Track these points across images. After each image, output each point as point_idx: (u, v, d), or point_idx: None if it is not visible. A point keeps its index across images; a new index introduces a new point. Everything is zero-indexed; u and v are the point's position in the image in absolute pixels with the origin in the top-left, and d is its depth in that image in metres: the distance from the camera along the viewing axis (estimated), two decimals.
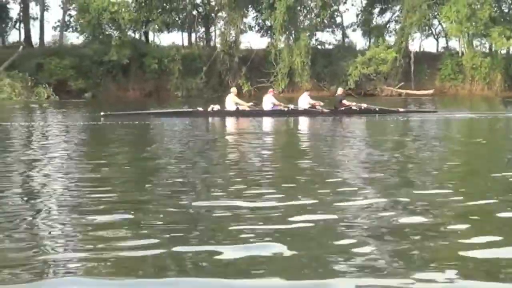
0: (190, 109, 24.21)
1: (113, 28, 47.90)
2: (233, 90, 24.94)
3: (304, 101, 24.28)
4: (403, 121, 21.72)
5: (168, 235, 4.78)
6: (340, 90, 26.90)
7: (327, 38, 75.57)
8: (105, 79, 47.87)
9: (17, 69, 43.75)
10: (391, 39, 57.10)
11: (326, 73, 52.77)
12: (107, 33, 48.54)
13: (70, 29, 53.64)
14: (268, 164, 9.65)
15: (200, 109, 23.33)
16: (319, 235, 4.92)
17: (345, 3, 58.12)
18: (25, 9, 52.99)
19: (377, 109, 25.17)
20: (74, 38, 53.92)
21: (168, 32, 54.89)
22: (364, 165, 9.42)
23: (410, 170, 8.92)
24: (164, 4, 51.39)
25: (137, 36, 51.52)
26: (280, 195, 6.48)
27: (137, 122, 19.97)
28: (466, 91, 54.32)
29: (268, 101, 24.07)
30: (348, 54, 53.31)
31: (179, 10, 53.06)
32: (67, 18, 53.17)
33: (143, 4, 49.13)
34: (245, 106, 23.72)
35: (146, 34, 52.59)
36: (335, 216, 5.45)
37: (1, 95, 40.73)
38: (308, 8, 54.09)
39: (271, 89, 26.66)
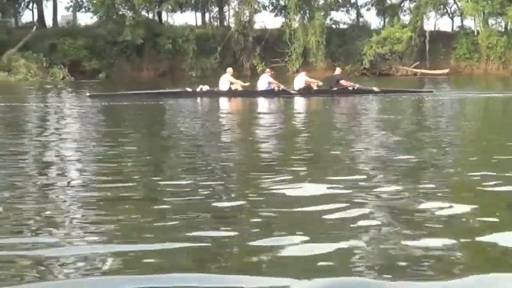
0: (178, 90, 23.63)
1: (127, 8, 47.55)
2: (229, 70, 24.01)
3: (301, 80, 23.72)
4: (412, 101, 21.35)
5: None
6: (338, 70, 26.18)
7: (342, 17, 75.56)
8: (119, 59, 47.84)
9: (30, 49, 43.73)
10: (405, 18, 56.63)
11: (340, 53, 52.50)
12: (120, 13, 48.33)
13: (83, 9, 53.64)
14: (269, 147, 9.29)
15: (189, 89, 22.83)
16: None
17: None
18: None
19: (375, 89, 24.47)
20: (87, 19, 53.99)
21: (181, 12, 54.75)
22: (382, 147, 9.00)
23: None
24: None
25: (150, 16, 51.20)
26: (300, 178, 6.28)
27: (126, 103, 19.59)
28: (482, 70, 53.87)
29: (264, 81, 23.47)
30: (362, 34, 52.98)
31: None
32: None
33: None
34: (238, 85, 23.07)
35: (159, 14, 52.31)
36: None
37: (17, 76, 40.69)
38: None
39: (268, 69, 26.00)
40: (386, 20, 57.55)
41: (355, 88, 23.81)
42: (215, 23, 55.43)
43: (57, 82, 38.98)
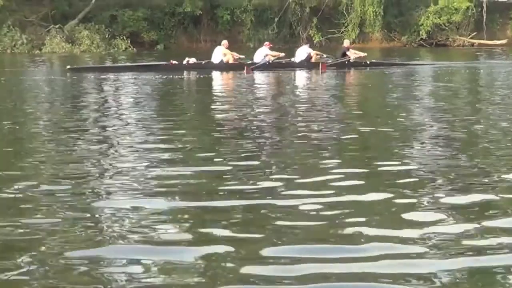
0: (162, 62, 22.74)
1: None
2: (224, 42, 23.48)
3: (303, 53, 23.32)
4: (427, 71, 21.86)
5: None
6: (346, 42, 25.64)
7: None
8: (177, 30, 48.17)
9: (91, 21, 44.42)
10: None
11: (397, 23, 52.09)
12: None
13: None
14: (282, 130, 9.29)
15: (174, 62, 21.91)
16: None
17: None
18: None
19: (367, 62, 23.90)
20: None
21: None
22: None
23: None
24: None
25: None
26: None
27: (103, 77, 19.49)
28: None
29: (261, 54, 22.95)
30: (419, 4, 52.43)
31: None
32: None
33: None
34: (231, 57, 22.40)
35: None
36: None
37: (80, 48, 41.42)
38: None
39: (267, 42, 25.65)
40: None
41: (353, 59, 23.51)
42: None
43: (119, 54, 39.60)
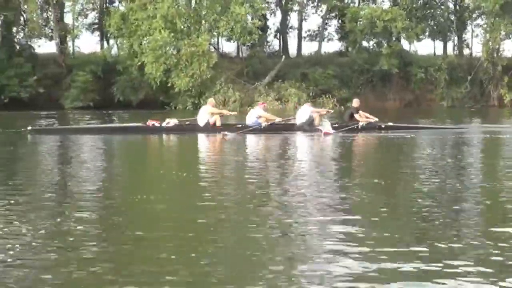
0: (139, 124, 20.31)
1: (381, 37, 47.42)
2: (210, 100, 21.15)
3: (305, 113, 20.15)
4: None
5: None
6: (355, 102, 21.32)
7: None
8: (365, 88, 47.94)
9: (280, 79, 44.90)
10: None
11: None
12: (373, 41, 48.49)
13: (326, 38, 54.63)
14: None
15: (153, 123, 19.62)
16: None
17: None
18: (283, 19, 54.06)
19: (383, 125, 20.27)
20: (327, 47, 54.67)
21: (418, 41, 53.94)
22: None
23: None
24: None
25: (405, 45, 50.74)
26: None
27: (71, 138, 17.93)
28: None
29: (253, 114, 20.18)
30: None
31: (434, 17, 52.01)
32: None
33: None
34: (218, 116, 19.90)
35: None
36: None
37: (287, 105, 41.99)
38: None
39: (261, 102, 23.72)
40: None
41: (372, 123, 20.25)
42: (456, 51, 54.16)
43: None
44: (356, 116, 20.39)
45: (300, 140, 17.86)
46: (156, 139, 18.39)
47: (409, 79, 47.75)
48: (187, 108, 40.43)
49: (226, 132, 18.89)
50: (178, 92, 41.12)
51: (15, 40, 47.68)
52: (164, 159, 13.99)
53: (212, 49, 45.35)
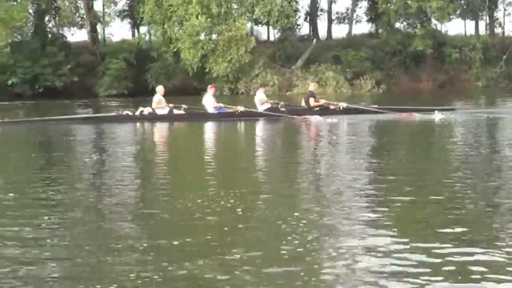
0: (112, 114, 20.58)
1: (415, 17, 46.72)
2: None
3: (257, 99, 20.52)
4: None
5: None
6: (312, 86, 21.91)
7: None
8: (398, 70, 47.53)
9: (314, 62, 44.59)
10: None
11: None
12: (405, 22, 47.95)
13: (355, 20, 54.42)
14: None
15: (127, 112, 19.78)
16: None
17: None
18: (313, 2, 53.70)
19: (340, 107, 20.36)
20: (356, 29, 54.32)
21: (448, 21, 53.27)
22: None
23: None
24: None
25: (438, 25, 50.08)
26: None
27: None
28: None
29: (210, 101, 20.23)
30: None
31: None
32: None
33: None
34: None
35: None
36: None
37: (326, 89, 41.62)
38: None
39: (210, 85, 22.25)
40: None
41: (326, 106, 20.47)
42: (487, 31, 53.43)
43: (363, 94, 39.39)
44: (311, 100, 20.40)
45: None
46: (134, 127, 18.66)
47: (443, 59, 47.04)
48: (224, 94, 40.11)
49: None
50: (213, 77, 40.79)
51: (47, 29, 47.78)
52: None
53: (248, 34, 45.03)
